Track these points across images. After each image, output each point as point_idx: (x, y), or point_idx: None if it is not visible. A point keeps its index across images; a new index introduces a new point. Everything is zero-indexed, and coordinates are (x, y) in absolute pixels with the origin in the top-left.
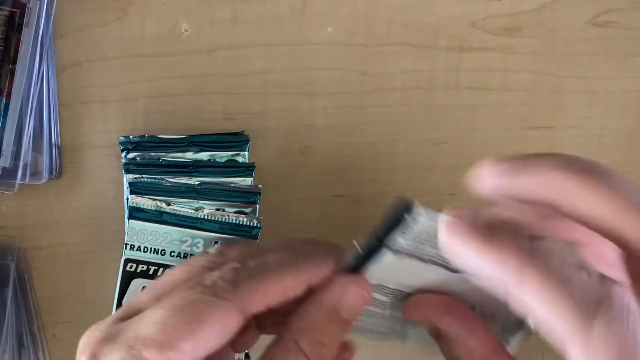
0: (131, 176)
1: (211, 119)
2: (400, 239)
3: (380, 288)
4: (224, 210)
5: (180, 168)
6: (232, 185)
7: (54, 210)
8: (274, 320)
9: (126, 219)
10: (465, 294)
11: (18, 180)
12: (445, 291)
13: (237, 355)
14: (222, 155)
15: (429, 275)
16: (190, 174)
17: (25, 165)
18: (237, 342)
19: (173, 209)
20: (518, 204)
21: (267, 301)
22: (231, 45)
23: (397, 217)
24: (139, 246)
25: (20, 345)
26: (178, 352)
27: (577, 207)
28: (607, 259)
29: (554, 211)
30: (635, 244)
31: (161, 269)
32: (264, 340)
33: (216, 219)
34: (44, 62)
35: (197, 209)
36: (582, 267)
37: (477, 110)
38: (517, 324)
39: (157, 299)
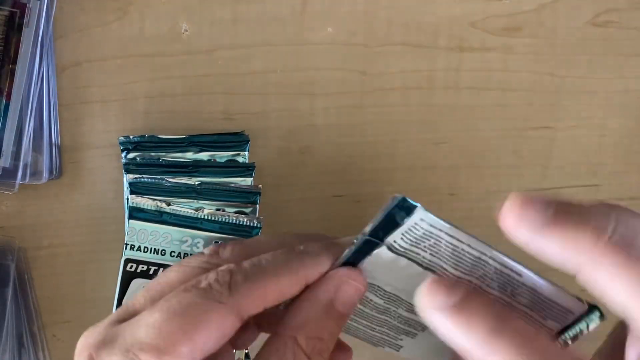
0: (131, 176)
1: (211, 119)
2: (400, 240)
3: (375, 289)
4: (224, 210)
5: (180, 168)
6: (232, 185)
7: (54, 210)
8: (273, 318)
9: (126, 219)
10: None
11: (18, 180)
12: None
13: (237, 355)
14: (222, 155)
15: None
16: (190, 174)
17: (25, 165)
18: (236, 340)
19: (173, 209)
20: None
21: (263, 303)
22: (231, 45)
23: (398, 216)
24: (139, 246)
25: (20, 345)
26: (175, 357)
27: (602, 286)
28: None
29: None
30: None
31: (161, 269)
32: (263, 337)
33: (216, 219)
34: (44, 62)
35: (197, 209)
36: None
37: (477, 110)
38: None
39: (153, 300)
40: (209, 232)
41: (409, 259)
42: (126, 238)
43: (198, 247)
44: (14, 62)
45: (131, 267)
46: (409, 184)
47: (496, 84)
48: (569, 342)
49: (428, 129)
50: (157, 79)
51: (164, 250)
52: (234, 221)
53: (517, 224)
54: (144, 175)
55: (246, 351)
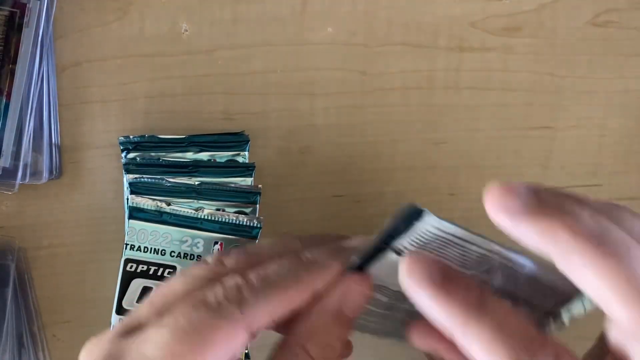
0: (131, 176)
1: (211, 119)
2: (408, 244)
3: (381, 289)
4: (224, 210)
5: (180, 168)
6: (232, 185)
7: (54, 210)
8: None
9: (126, 219)
10: None
11: (18, 180)
12: None
13: None
14: (222, 155)
15: None
16: (190, 174)
17: (25, 165)
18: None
19: (173, 209)
20: None
21: (272, 316)
22: (231, 45)
23: (407, 223)
24: (139, 246)
25: (20, 345)
26: None
27: (575, 272)
28: None
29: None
30: (618, 320)
31: (161, 269)
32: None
33: (216, 219)
34: (44, 62)
35: (197, 209)
36: None
37: (477, 110)
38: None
39: (159, 313)
40: (209, 232)
41: None
42: (126, 238)
43: (198, 247)
44: (14, 62)
45: (131, 267)
46: (409, 184)
47: (496, 84)
48: (566, 322)
49: (428, 129)
50: (157, 79)
51: (164, 250)
52: (234, 221)
53: (497, 212)
54: (144, 175)
55: (246, 351)
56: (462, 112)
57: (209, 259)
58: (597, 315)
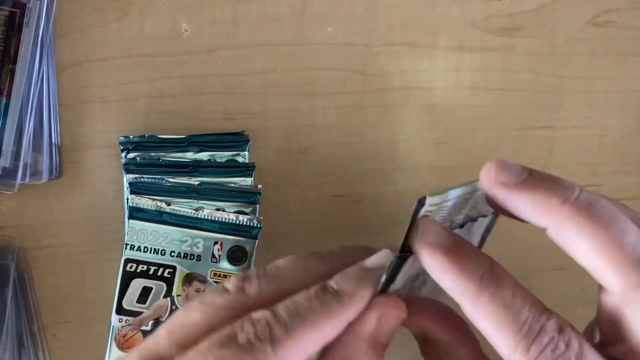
0: (131, 176)
1: (211, 119)
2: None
3: (399, 292)
4: (224, 210)
5: (180, 168)
6: (232, 185)
7: (54, 210)
8: None
9: (126, 219)
10: None
11: (18, 180)
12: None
13: None
14: (222, 155)
15: None
16: (190, 174)
17: (25, 165)
18: None
19: (173, 209)
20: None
21: (307, 353)
22: (231, 45)
23: (414, 216)
24: (139, 246)
25: (20, 345)
26: None
27: (569, 242)
28: None
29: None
30: (613, 289)
31: (161, 269)
32: None
33: (216, 219)
34: (44, 62)
35: (197, 209)
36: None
37: (477, 110)
38: None
39: (180, 346)
40: (209, 232)
41: None
42: (126, 238)
43: (198, 247)
44: (14, 62)
45: (131, 267)
46: (409, 184)
47: (496, 84)
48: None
49: (428, 129)
50: (157, 79)
51: (164, 250)
52: (234, 221)
53: (493, 183)
54: (144, 175)
55: None
56: (462, 112)
57: (229, 284)
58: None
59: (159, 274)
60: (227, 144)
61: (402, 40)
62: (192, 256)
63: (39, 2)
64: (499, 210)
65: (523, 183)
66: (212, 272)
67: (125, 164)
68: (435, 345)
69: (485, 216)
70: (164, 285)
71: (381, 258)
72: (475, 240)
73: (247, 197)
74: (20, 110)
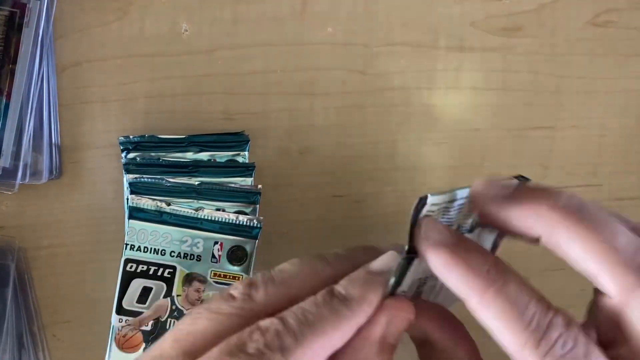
0: (131, 176)
1: (211, 119)
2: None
3: (406, 294)
4: (224, 210)
5: (180, 168)
6: (232, 185)
7: (54, 210)
8: None
9: (126, 219)
10: None
11: (18, 180)
12: None
13: None
14: (222, 155)
15: None
16: (190, 174)
17: (25, 165)
18: None
19: (173, 209)
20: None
21: None
22: (231, 45)
23: (416, 215)
24: (139, 246)
25: (20, 345)
26: None
27: (563, 247)
28: None
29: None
30: (611, 293)
31: (161, 269)
32: None
33: (216, 219)
34: (44, 62)
35: (197, 209)
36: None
37: (477, 110)
38: None
39: (187, 354)
40: (209, 232)
41: None
42: (126, 238)
43: (198, 247)
44: (14, 62)
45: (131, 267)
46: (409, 184)
47: (496, 84)
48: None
49: (428, 129)
50: (157, 79)
51: (164, 250)
52: (234, 221)
53: (484, 202)
54: (144, 175)
55: None
56: (462, 112)
57: (235, 291)
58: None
59: (159, 274)
60: (227, 144)
61: (402, 40)
62: (192, 256)
63: (39, 2)
64: (495, 226)
65: (511, 195)
66: (212, 272)
67: (125, 164)
68: (434, 348)
69: None
70: (164, 285)
71: (388, 260)
72: (487, 246)
73: (247, 197)
74: (20, 110)
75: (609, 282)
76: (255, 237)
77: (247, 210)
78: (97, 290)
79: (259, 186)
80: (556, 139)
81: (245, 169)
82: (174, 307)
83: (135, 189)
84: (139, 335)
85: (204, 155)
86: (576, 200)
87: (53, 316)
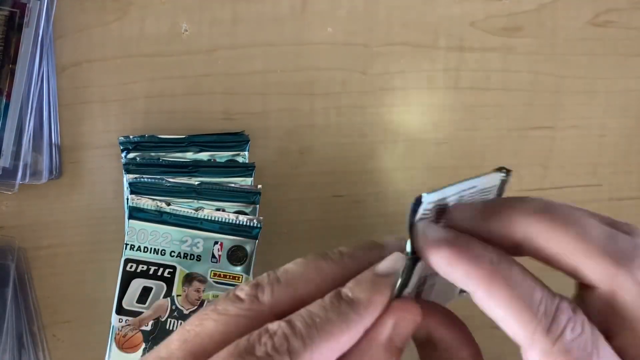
0: (131, 176)
1: (211, 119)
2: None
3: (410, 294)
4: (224, 210)
5: (180, 168)
6: (232, 185)
7: (54, 210)
8: None
9: (126, 219)
10: None
11: (18, 180)
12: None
13: None
14: (222, 155)
15: None
16: (190, 174)
17: (25, 165)
18: None
19: (173, 209)
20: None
21: None
22: (231, 45)
23: (412, 214)
24: (139, 246)
25: (20, 345)
26: None
27: (542, 249)
28: None
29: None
30: (595, 283)
31: (161, 269)
32: None
33: (216, 219)
34: (44, 62)
35: (197, 209)
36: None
37: (477, 110)
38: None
39: (194, 355)
40: (209, 232)
41: None
42: (126, 238)
43: (198, 247)
44: (14, 62)
45: (131, 267)
46: (409, 184)
47: (496, 84)
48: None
49: (428, 129)
50: (157, 79)
51: (164, 250)
52: (234, 221)
53: (461, 222)
54: (144, 175)
55: None
56: (462, 112)
57: (241, 292)
58: None
59: (159, 274)
60: (227, 144)
61: (402, 40)
62: (192, 256)
63: (39, 2)
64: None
65: (484, 212)
66: (212, 272)
67: (125, 164)
68: (436, 348)
69: None
70: (164, 285)
71: (394, 262)
72: None
73: (247, 197)
74: (20, 110)
75: (591, 272)
76: (255, 237)
77: (247, 210)
78: (97, 290)
79: (259, 186)
80: (556, 138)
81: (245, 169)
82: (173, 307)
83: (135, 189)
84: (139, 335)
85: (204, 155)
86: (545, 203)
87: (53, 316)
